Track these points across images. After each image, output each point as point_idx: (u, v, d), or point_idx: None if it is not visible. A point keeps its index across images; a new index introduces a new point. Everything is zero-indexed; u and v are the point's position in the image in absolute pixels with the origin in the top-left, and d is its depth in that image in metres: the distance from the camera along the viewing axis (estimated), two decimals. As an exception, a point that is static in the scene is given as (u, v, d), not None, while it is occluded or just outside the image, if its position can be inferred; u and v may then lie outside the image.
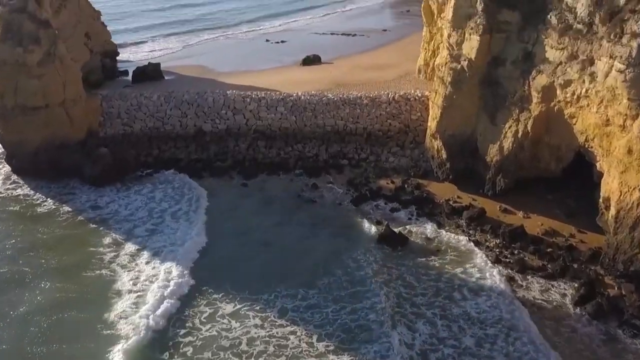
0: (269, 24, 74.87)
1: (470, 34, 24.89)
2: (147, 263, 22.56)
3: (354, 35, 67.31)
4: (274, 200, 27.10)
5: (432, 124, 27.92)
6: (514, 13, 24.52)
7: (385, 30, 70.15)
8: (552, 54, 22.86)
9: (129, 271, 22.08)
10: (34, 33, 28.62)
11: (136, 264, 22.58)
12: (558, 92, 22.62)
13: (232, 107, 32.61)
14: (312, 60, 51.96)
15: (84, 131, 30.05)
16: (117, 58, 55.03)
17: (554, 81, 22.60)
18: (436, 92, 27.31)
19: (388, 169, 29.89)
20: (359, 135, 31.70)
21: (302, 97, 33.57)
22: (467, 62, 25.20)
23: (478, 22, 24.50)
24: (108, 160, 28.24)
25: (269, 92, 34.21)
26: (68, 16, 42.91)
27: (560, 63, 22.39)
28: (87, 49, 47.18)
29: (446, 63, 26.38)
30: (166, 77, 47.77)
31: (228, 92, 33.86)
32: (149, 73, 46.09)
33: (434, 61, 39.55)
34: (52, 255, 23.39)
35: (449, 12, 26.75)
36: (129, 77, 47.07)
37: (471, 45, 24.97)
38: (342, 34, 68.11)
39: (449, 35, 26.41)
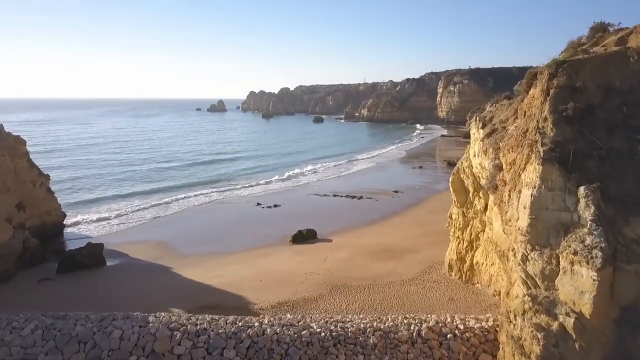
0: (266, 184, 65.71)
1: (572, 263, 12.55)
2: None
3: (360, 197, 57.03)
4: None
5: None
6: (656, 226, 12.39)
7: (396, 191, 60.12)
8: None
9: None
10: None
11: None
12: None
13: (148, 351, 19.47)
14: (304, 237, 40.19)
15: None
16: (75, 232, 44.58)
17: None
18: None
19: None
20: (363, 412, 17.72)
21: (269, 328, 20.42)
22: (573, 319, 12.44)
23: (588, 241, 12.34)
24: None
25: (215, 319, 21.22)
26: (-21, 188, 32.93)
27: None
28: (9, 226, 36.58)
29: (524, 312, 13.60)
30: (109, 263, 35.71)
31: (150, 319, 20.97)
32: (81, 260, 34.19)
33: (472, 256, 27.32)
34: None
35: (519, 215, 14.75)
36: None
37: (578, 286, 12.43)
38: (346, 196, 57.94)
39: (525, 258, 14.12)
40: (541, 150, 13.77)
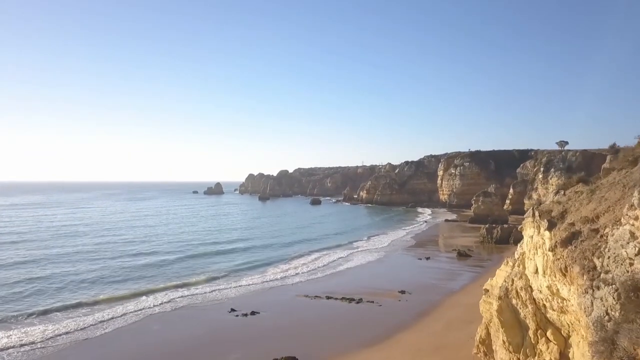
0: (248, 283, 55.04)
1: None
2: None
3: (359, 301, 46.43)
4: None
5: None
6: None
7: (402, 292, 49.62)
8: None
9: None
10: None
11: None
12: None
13: None
14: (282, 369, 29.57)
15: None
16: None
17: None
18: None
19: None
20: None
21: None
22: None
23: None
24: None
25: None
26: None
27: None
28: None
29: None
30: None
31: None
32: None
33: None
34: None
35: None
36: None
37: None
38: (342, 298, 47.38)
39: None
40: None
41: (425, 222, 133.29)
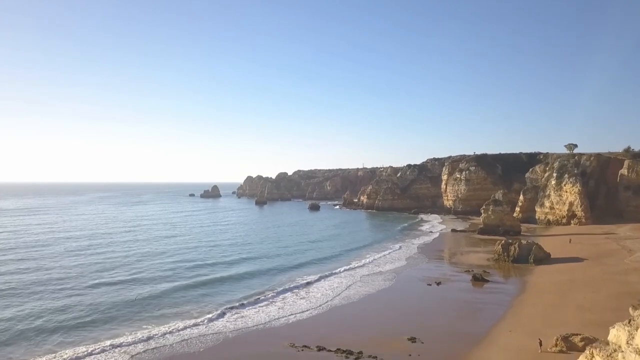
0: (224, 322, 45.61)
1: None
2: None
3: (358, 355, 36.84)
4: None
5: None
6: None
7: (412, 339, 39.91)
8: None
9: None
10: None
11: None
12: None
13: None
14: None
15: None
16: None
17: None
18: None
19: None
20: None
21: None
22: None
23: None
24: None
25: None
26: None
27: None
28: None
29: None
30: None
31: None
32: None
33: None
34: None
35: None
36: None
37: None
38: (336, 350, 37.97)
39: None
40: None
41: (432, 232, 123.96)
